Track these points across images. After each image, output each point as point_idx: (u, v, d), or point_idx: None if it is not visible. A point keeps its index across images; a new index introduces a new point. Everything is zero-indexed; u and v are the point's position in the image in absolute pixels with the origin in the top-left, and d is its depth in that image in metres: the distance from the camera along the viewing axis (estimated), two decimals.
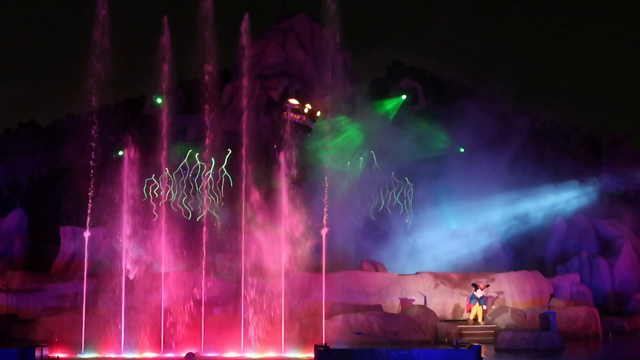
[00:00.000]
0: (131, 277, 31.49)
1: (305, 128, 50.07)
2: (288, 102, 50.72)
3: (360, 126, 50.80)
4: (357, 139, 50.38)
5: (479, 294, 36.69)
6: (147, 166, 35.22)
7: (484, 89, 59.71)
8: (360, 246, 44.40)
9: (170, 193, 42.97)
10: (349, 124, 50.06)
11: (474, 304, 36.63)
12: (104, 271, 36.07)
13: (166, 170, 34.52)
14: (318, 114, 50.42)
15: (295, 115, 50.18)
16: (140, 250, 31.86)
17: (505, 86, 54.09)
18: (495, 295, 38.94)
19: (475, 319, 36.58)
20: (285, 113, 49.83)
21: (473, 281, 38.09)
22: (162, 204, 33.14)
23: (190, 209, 42.67)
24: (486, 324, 36.06)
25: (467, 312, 37.07)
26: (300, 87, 53.81)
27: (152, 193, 41.45)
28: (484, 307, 36.65)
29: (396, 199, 47.92)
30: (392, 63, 68.78)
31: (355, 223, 46.04)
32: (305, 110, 50.56)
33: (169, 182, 43.28)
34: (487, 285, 37.62)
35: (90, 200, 31.47)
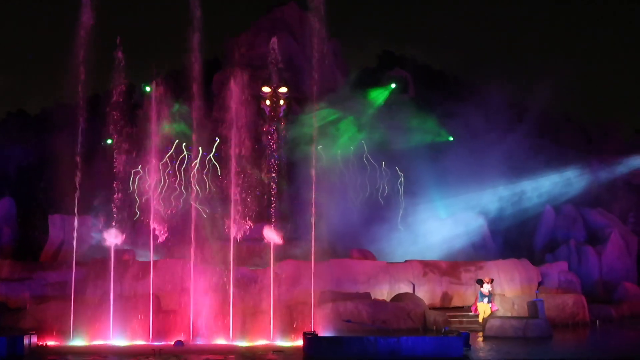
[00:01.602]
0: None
1: (272, 119, 49.88)
2: (262, 92, 50.31)
3: (350, 115, 50.81)
4: (346, 129, 50.40)
5: (485, 289, 34.98)
6: (134, 156, 35.21)
7: (474, 79, 59.71)
8: (350, 235, 44.45)
9: (156, 184, 42.92)
10: (337, 113, 50.04)
11: (483, 302, 34.78)
12: (93, 259, 36.14)
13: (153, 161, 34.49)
14: (281, 102, 50.11)
15: (264, 104, 50.00)
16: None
17: (496, 75, 54.08)
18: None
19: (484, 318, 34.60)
20: (262, 102, 49.65)
21: (478, 277, 37.40)
22: (146, 198, 33.09)
23: (173, 203, 42.55)
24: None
25: (474, 312, 35.27)
26: (290, 76, 53.65)
27: (138, 186, 41.36)
28: (492, 305, 34.82)
29: (387, 188, 47.98)
30: (382, 52, 68.71)
31: (345, 212, 46.06)
32: (268, 102, 50.26)
33: (156, 173, 43.20)
34: (492, 280, 35.89)
35: (78, 189, 31.44)
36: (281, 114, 49.38)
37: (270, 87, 50.31)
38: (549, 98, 52.07)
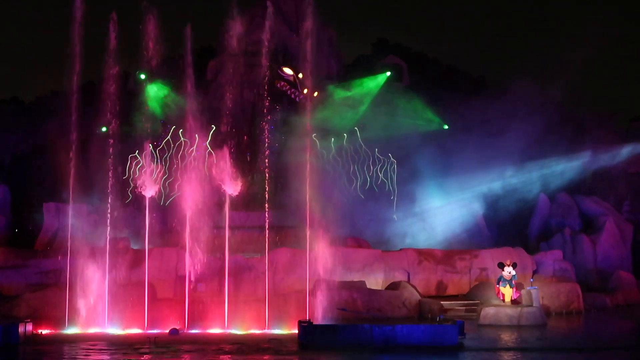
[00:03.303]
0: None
1: (296, 106, 49.54)
2: (282, 70, 49.51)
3: (345, 102, 50.75)
4: (342, 115, 50.34)
5: (506, 272, 33.74)
6: (130, 143, 35.13)
7: (469, 67, 59.69)
8: (345, 223, 44.40)
9: (152, 170, 42.79)
10: (334, 99, 49.99)
11: (505, 287, 33.67)
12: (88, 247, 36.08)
13: (150, 147, 34.42)
14: (315, 94, 49.59)
15: (289, 89, 49.39)
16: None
17: (490, 63, 54.08)
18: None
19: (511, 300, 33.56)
20: (279, 83, 49.04)
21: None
22: (141, 183, 32.95)
23: (167, 190, 42.42)
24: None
25: (498, 296, 34.06)
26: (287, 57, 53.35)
27: (134, 171, 41.18)
28: (515, 292, 33.68)
29: (381, 175, 47.86)
30: (377, 40, 68.54)
31: (340, 200, 45.97)
32: (306, 91, 49.81)
33: (152, 159, 43.10)
34: (514, 264, 34.36)
35: (72, 177, 31.34)
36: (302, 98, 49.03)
37: (292, 69, 49.83)
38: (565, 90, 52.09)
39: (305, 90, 48.76)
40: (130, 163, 41.09)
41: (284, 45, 53.64)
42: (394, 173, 47.57)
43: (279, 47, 53.03)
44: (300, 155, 34.41)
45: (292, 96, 49.54)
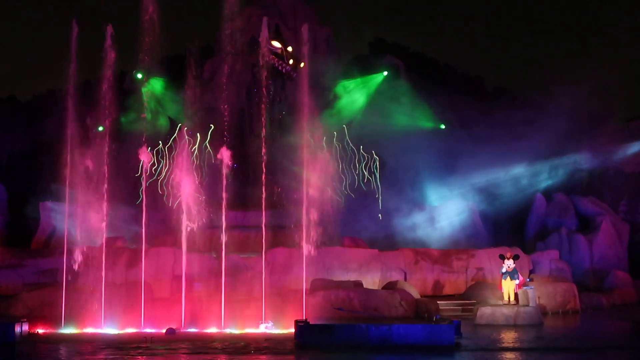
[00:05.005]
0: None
1: (287, 77, 49.57)
2: (270, 44, 49.58)
3: (343, 99, 50.88)
4: (340, 112, 50.45)
5: (507, 265, 33.13)
6: (128, 141, 35.09)
7: (467, 66, 59.69)
8: (340, 222, 44.37)
9: (160, 169, 42.91)
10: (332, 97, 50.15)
11: (506, 279, 33.15)
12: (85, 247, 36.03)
13: (159, 144, 34.42)
14: (302, 65, 49.43)
15: (277, 61, 49.41)
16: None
17: (488, 63, 54.14)
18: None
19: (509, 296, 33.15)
20: (270, 57, 49.01)
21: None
22: (147, 183, 32.98)
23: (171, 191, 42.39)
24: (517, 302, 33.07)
25: (499, 288, 33.76)
26: (279, 26, 53.30)
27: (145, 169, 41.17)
28: (517, 281, 33.07)
29: (366, 174, 47.70)
30: (375, 39, 68.52)
31: (335, 198, 45.92)
32: (291, 62, 49.78)
33: (162, 157, 43.19)
34: (514, 256, 33.90)
35: (68, 176, 31.29)
36: (294, 75, 48.96)
37: (280, 42, 49.82)
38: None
39: (291, 61, 48.80)
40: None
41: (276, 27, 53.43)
42: (376, 170, 47.42)
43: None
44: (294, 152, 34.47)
45: (280, 67, 49.63)
